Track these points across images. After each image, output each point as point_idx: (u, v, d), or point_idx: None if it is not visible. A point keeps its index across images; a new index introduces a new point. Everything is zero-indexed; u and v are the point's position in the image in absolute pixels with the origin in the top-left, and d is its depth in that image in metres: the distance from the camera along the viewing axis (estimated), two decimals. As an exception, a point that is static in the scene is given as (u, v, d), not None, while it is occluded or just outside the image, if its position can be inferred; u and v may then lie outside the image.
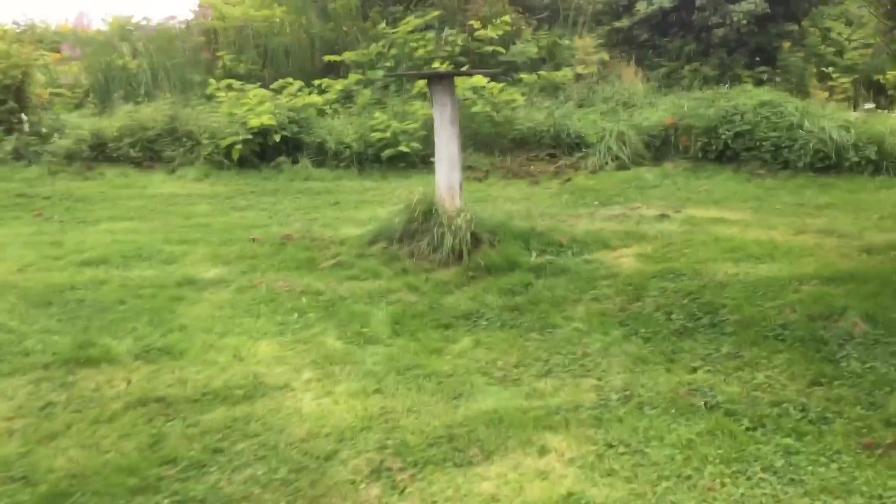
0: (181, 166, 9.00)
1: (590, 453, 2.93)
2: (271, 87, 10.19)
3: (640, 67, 10.82)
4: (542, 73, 10.38)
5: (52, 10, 33.32)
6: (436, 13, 11.36)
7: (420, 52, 10.77)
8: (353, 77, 10.68)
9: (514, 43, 11.05)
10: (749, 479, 2.73)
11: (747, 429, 3.07)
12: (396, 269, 5.15)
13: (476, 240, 5.21)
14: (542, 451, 2.95)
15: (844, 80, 10.20)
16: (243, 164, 8.87)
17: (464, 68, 9.93)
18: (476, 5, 11.44)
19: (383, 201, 7.20)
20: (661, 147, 8.45)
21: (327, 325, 4.27)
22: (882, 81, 10.29)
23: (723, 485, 2.70)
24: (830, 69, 10.48)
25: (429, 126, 8.36)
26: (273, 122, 8.86)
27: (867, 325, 3.94)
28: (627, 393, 3.41)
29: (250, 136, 8.82)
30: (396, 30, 11.18)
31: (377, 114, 9.17)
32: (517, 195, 7.35)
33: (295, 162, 8.87)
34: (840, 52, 10.88)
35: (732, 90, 8.80)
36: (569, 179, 7.95)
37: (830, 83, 10.23)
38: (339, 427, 3.15)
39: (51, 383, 3.60)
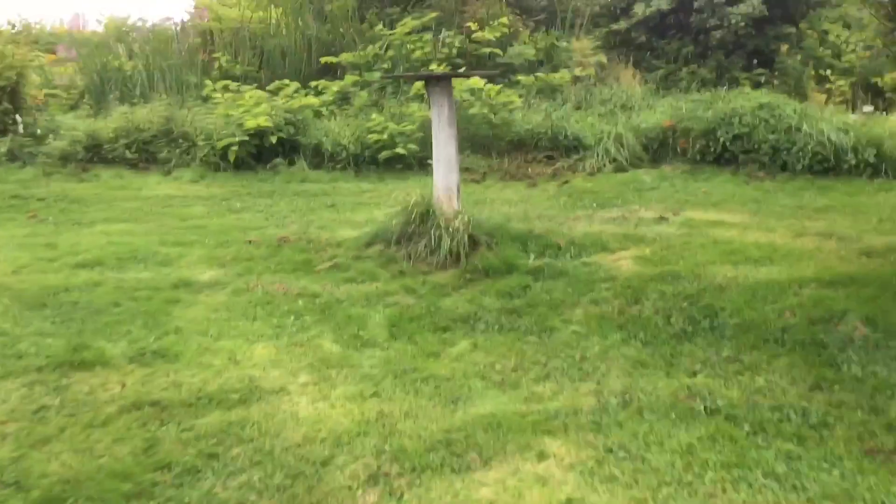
0: (177, 168, 8.96)
1: (589, 459, 2.89)
2: (268, 88, 10.16)
3: (637, 70, 10.82)
4: (539, 74, 10.36)
5: (47, 12, 33.25)
6: (433, 15, 11.34)
7: (417, 53, 10.75)
8: (350, 78, 10.65)
9: (511, 45, 11.04)
10: (751, 485, 2.70)
11: (748, 434, 3.05)
12: (393, 271, 5.12)
13: (474, 242, 5.18)
14: (542, 457, 2.92)
15: (842, 83, 10.20)
16: (239, 165, 8.83)
17: (461, 70, 9.91)
18: (473, 7, 11.43)
19: (380, 203, 7.16)
20: (659, 149, 8.43)
21: (324, 328, 4.23)
22: (880, 84, 10.29)
23: (724, 491, 2.67)
24: (828, 72, 10.47)
25: (426, 128, 8.36)
26: (269, 124, 8.82)
27: (867, 328, 3.92)
28: (627, 397, 3.38)
29: (246, 138, 8.78)
30: (394, 31, 11.16)
31: (374, 115, 9.14)
32: (515, 197, 7.32)
33: (291, 164, 8.84)
34: (838, 55, 10.88)
35: (731, 92, 8.80)
36: (566, 182, 7.93)
37: (828, 86, 10.23)
38: (335, 432, 3.11)
39: (44, 387, 3.56)
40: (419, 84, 9.81)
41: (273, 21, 12.18)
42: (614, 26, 11.66)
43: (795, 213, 6.27)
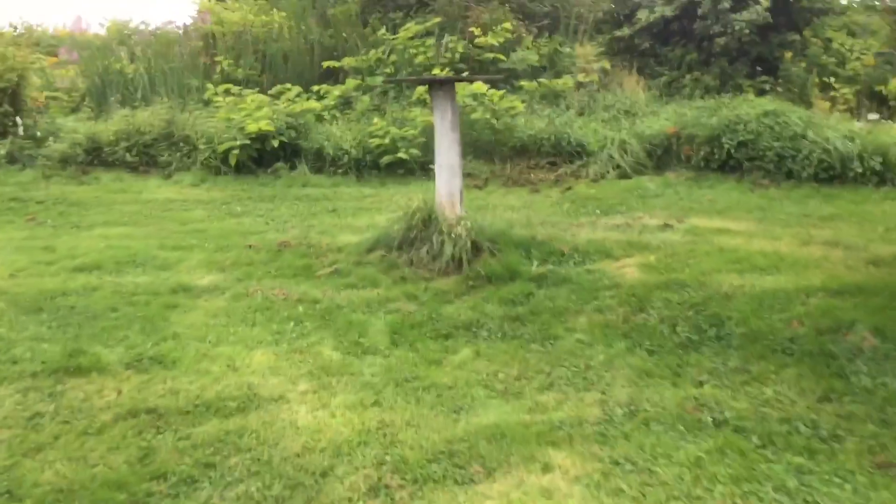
0: (177, 171, 8.91)
1: (595, 471, 2.83)
2: (269, 92, 10.13)
3: (641, 76, 10.77)
4: (542, 80, 10.32)
5: (50, 14, 33.28)
6: (436, 20, 11.31)
7: (420, 58, 10.71)
8: (352, 83, 10.61)
9: (514, 50, 11.00)
10: (761, 500, 2.64)
11: (757, 447, 2.99)
12: (395, 277, 5.06)
13: (476, 248, 5.13)
14: (546, 469, 2.86)
15: (846, 91, 10.15)
16: (240, 169, 8.79)
17: (464, 75, 9.87)
18: (476, 12, 11.39)
19: (382, 208, 7.11)
20: (662, 156, 8.38)
21: (324, 335, 4.17)
22: (884, 92, 10.24)
23: (735, 505, 2.60)
24: (832, 79, 10.42)
25: (428, 133, 8.32)
26: (271, 128, 8.77)
27: (876, 339, 3.86)
28: (633, 408, 3.32)
29: (248, 142, 8.74)
30: (396, 36, 11.13)
31: (376, 120, 9.10)
32: (517, 203, 7.26)
33: (293, 168, 8.79)
34: (842, 63, 10.83)
35: (735, 99, 8.74)
36: (570, 188, 7.87)
37: (832, 93, 10.17)
38: (335, 441, 3.05)
39: (39, 393, 3.50)
40: (422, 89, 9.77)
41: (276, 25, 12.15)
42: (618, 32, 11.60)
43: (801, 222, 6.21)
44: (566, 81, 10.31)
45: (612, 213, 6.73)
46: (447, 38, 11.01)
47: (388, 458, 2.93)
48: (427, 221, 5.26)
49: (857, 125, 8.24)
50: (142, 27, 13.59)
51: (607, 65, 10.91)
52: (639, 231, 5.99)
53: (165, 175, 8.87)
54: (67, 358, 3.81)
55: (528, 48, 11.10)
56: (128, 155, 9.08)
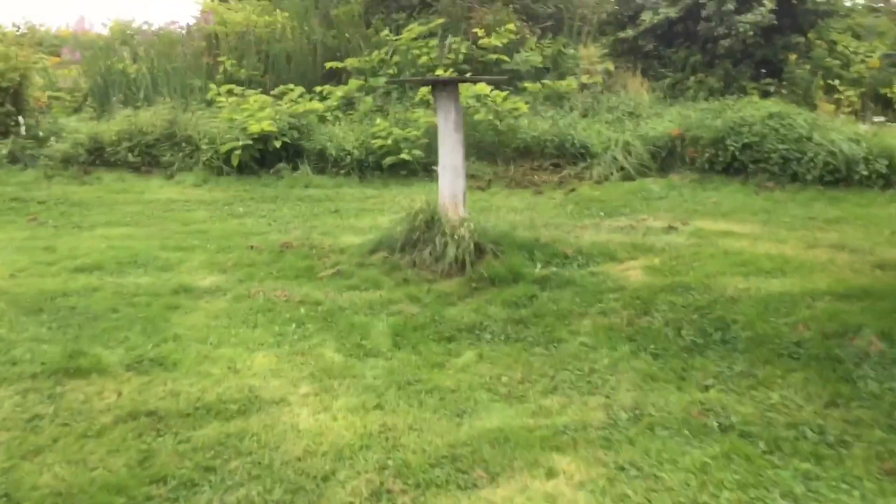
0: (179, 172, 8.89)
1: (600, 477, 2.79)
2: (272, 92, 10.11)
3: (645, 78, 10.73)
4: (546, 81, 10.29)
5: (53, 14, 33.31)
6: (439, 21, 11.28)
7: (423, 59, 10.69)
8: (354, 83, 10.59)
9: (518, 51, 10.97)
10: (769, 506, 2.60)
11: (764, 452, 2.95)
12: (397, 279, 5.03)
13: (479, 250, 5.09)
14: (550, 474, 2.82)
15: (851, 93, 10.11)
16: (243, 170, 8.76)
17: (467, 76, 9.84)
18: (480, 13, 11.37)
19: (384, 209, 7.09)
20: (667, 158, 8.34)
21: (326, 337, 4.14)
22: (889, 95, 10.19)
23: (741, 513, 2.57)
24: (837, 82, 10.38)
25: (430, 134, 8.29)
26: (273, 128, 8.75)
27: (883, 343, 3.82)
28: (637, 412, 3.28)
29: (250, 142, 8.72)
30: (399, 37, 11.11)
31: (378, 121, 9.07)
32: (521, 205, 7.23)
33: (295, 168, 8.76)
34: (846, 65, 10.79)
35: (739, 101, 8.70)
36: (573, 189, 7.84)
37: (837, 96, 10.13)
38: (337, 445, 3.02)
39: (38, 394, 3.47)
40: (425, 89, 9.74)
41: (279, 25, 12.13)
42: (621, 34, 11.57)
43: (806, 225, 6.17)
44: (570, 83, 10.28)
45: (615, 215, 6.69)
46: (450, 39, 10.99)
47: (390, 462, 2.89)
48: (430, 223, 5.23)
49: (863, 128, 8.19)
50: (145, 27, 13.58)
51: (611, 66, 10.87)
52: (643, 233, 5.95)
53: (168, 175, 8.85)
54: (67, 359, 3.78)
55: (531, 49, 11.07)
56: (130, 155, 9.06)
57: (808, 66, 10.51)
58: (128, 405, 3.35)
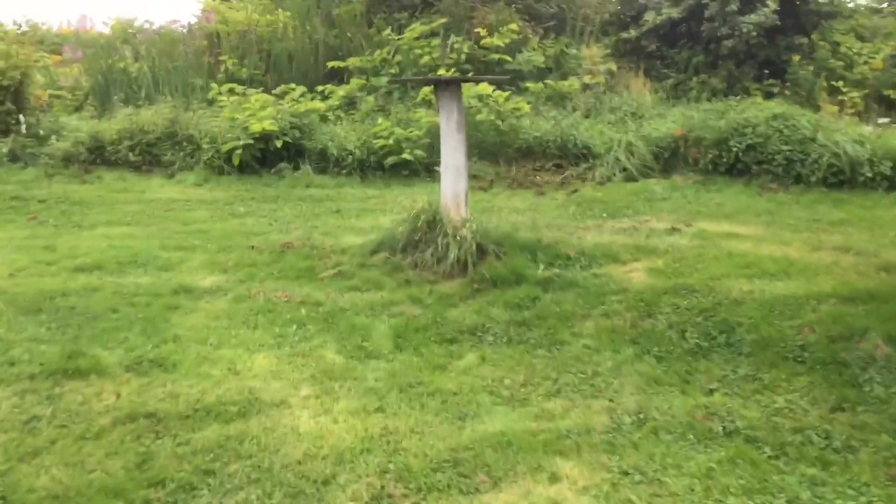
0: (180, 171, 8.86)
1: (604, 482, 2.76)
2: (274, 92, 10.07)
3: (647, 78, 10.69)
4: (548, 82, 10.25)
5: (55, 13, 33.29)
6: (442, 20, 11.25)
7: (425, 59, 10.65)
8: (356, 83, 10.56)
9: (520, 51, 10.94)
10: (775, 513, 2.56)
11: (769, 457, 2.93)
12: (399, 280, 5.00)
13: (481, 251, 5.06)
14: (553, 479, 2.79)
15: (854, 95, 10.06)
16: (244, 169, 8.73)
17: (469, 75, 9.81)
18: (482, 13, 11.33)
19: (386, 210, 7.05)
20: (670, 159, 8.29)
21: (327, 338, 4.11)
22: (893, 96, 10.15)
23: (747, 519, 2.54)
24: (840, 83, 10.34)
25: (432, 134, 8.25)
26: (275, 128, 8.72)
27: (889, 347, 3.79)
28: (641, 416, 3.25)
29: (251, 142, 8.68)
30: (402, 36, 11.08)
31: (380, 120, 9.03)
32: (523, 206, 7.19)
33: (296, 168, 8.73)
34: (850, 66, 10.74)
35: (743, 102, 8.65)
36: (576, 190, 7.80)
37: (840, 97, 10.09)
38: (337, 448, 2.99)
39: (36, 396, 3.45)
40: (426, 89, 9.70)
41: (280, 25, 12.10)
42: (624, 34, 11.53)
43: (811, 227, 6.13)
44: (572, 83, 10.24)
45: (618, 216, 6.65)
46: (453, 38, 10.95)
47: (391, 466, 2.86)
48: (432, 223, 5.20)
49: (867, 129, 8.15)
50: (146, 26, 13.56)
51: (614, 66, 10.84)
52: (646, 235, 5.92)
53: (168, 175, 8.82)
54: (66, 360, 3.76)
55: (534, 49, 11.03)
56: (131, 154, 9.03)
57: (811, 68, 10.47)
58: (126, 407, 3.32)
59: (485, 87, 8.99)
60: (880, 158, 7.34)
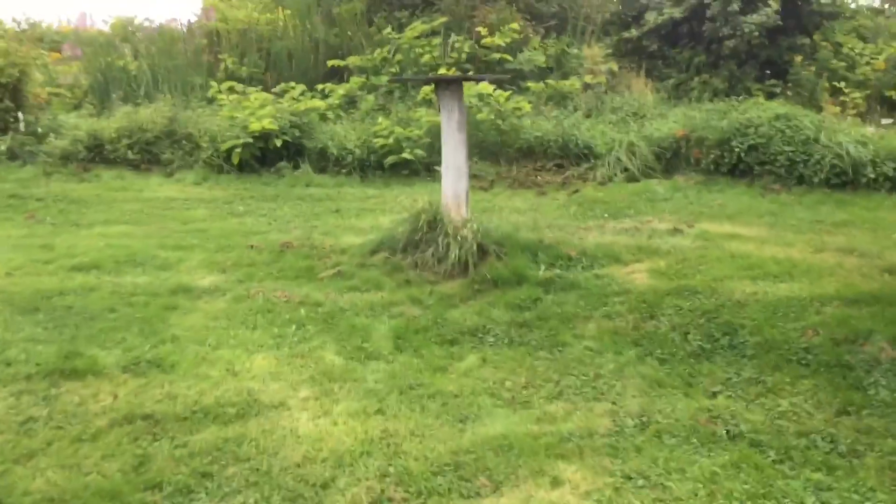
0: (179, 169, 8.82)
1: (606, 486, 2.73)
2: (273, 90, 10.03)
3: (649, 78, 10.65)
4: (549, 81, 10.21)
5: (55, 10, 33.23)
6: (442, 19, 11.21)
7: (426, 58, 10.62)
8: (356, 81, 10.52)
9: (521, 51, 10.90)
10: (781, 519, 2.53)
11: (774, 462, 2.89)
12: (399, 280, 4.96)
13: (482, 251, 5.02)
14: (555, 483, 2.76)
15: (857, 95, 10.03)
16: (243, 168, 8.69)
17: (469, 74, 9.77)
18: (483, 12, 11.29)
19: (386, 209, 7.01)
20: (671, 159, 8.24)
21: (326, 339, 4.07)
22: (895, 97, 10.12)
23: (753, 525, 2.50)
24: (842, 84, 10.30)
25: (433, 133, 8.21)
26: (274, 127, 8.68)
27: (895, 350, 3.75)
28: (644, 419, 3.22)
29: (251, 140, 8.64)
30: (402, 35, 11.04)
31: (380, 119, 8.99)
32: (524, 206, 7.15)
33: (296, 167, 8.69)
34: (852, 67, 10.71)
35: (745, 103, 8.61)
36: (577, 191, 7.76)
37: (842, 98, 10.05)
38: (337, 451, 2.95)
39: (33, 396, 3.42)
40: (427, 88, 9.66)
41: (280, 23, 12.06)
42: (625, 34, 11.50)
43: (814, 228, 6.09)
44: (573, 83, 10.20)
45: (620, 216, 6.62)
46: (453, 37, 10.92)
47: (391, 469, 2.83)
48: (432, 223, 5.16)
49: (870, 130, 8.10)
50: (146, 24, 13.50)
51: (615, 66, 10.80)
52: (648, 235, 5.88)
53: (167, 173, 8.77)
54: (63, 360, 3.72)
55: (535, 49, 11.00)
56: (129, 152, 8.99)
57: (813, 68, 10.43)
58: (124, 408, 3.29)
59: (485, 87, 8.96)
60: (883, 159, 7.30)
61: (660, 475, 2.79)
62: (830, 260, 5.17)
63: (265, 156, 8.80)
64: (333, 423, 3.18)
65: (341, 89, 10.42)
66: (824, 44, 10.89)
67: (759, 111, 8.02)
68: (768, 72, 10.66)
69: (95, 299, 4.60)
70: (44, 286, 4.81)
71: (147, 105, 9.92)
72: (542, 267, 5.04)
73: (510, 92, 9.25)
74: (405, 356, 3.87)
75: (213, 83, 10.58)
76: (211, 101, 10.33)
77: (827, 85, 10.20)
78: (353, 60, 11.05)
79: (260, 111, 8.88)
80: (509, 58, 10.68)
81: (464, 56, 10.65)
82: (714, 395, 3.44)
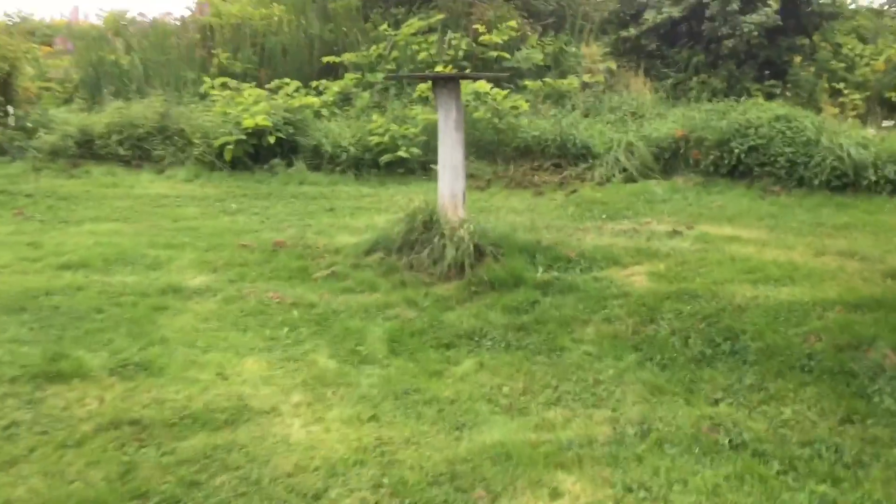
0: (171, 166, 8.71)
1: (607, 498, 2.65)
2: (267, 86, 9.92)
3: (647, 77, 10.59)
4: (547, 80, 10.13)
5: (47, 4, 32.99)
6: (439, 16, 11.12)
7: (422, 55, 10.52)
8: (351, 78, 10.42)
9: (519, 49, 10.82)
10: (787, 534, 2.45)
11: (778, 472, 2.82)
12: (394, 281, 4.87)
13: (479, 252, 4.94)
14: (555, 494, 2.68)
15: (856, 97, 9.98)
16: (236, 165, 8.58)
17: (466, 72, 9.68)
18: (481, 9, 11.20)
19: (381, 209, 6.92)
20: (670, 160, 8.17)
21: (319, 342, 3.98)
22: (894, 99, 10.07)
23: (758, 541, 2.42)
24: (841, 85, 10.25)
25: (429, 131, 8.12)
26: (268, 123, 8.57)
27: (899, 357, 3.68)
28: (645, 427, 3.14)
29: (244, 137, 8.53)
30: (398, 32, 10.94)
31: (375, 117, 8.90)
32: (521, 206, 7.07)
33: (290, 165, 8.58)
34: (851, 68, 10.66)
35: (745, 103, 8.54)
36: (575, 191, 7.68)
37: (841, 99, 10.00)
38: (330, 460, 2.86)
39: (17, 399, 3.32)
40: (423, 86, 9.57)
41: (275, 18, 11.95)
42: (624, 33, 11.43)
43: (814, 231, 6.02)
44: (571, 81, 10.13)
45: (618, 217, 6.54)
46: (450, 34, 10.82)
47: (385, 479, 2.74)
48: (428, 223, 5.08)
49: (871, 132, 8.04)
50: (139, 18, 13.38)
51: (613, 65, 10.74)
52: (647, 237, 5.80)
53: (158, 170, 8.66)
54: (49, 362, 3.62)
55: (532, 47, 10.91)
56: (120, 148, 8.87)
57: (812, 69, 10.38)
58: (110, 413, 3.19)
59: (482, 85, 8.87)
60: (884, 162, 7.23)
61: (661, 486, 2.71)
62: (832, 264, 5.11)
63: (258, 153, 8.70)
64: (326, 430, 3.09)
65: (336, 86, 10.31)
66: (824, 44, 10.86)
67: (759, 112, 7.95)
68: (767, 72, 10.62)
69: (83, 299, 4.50)
70: (30, 285, 4.71)
71: (139, 100, 9.81)
72: (540, 269, 4.96)
73: (508, 90, 9.16)
74: (400, 360, 3.79)
75: (207, 78, 10.45)
76: (204, 96, 10.21)
77: (826, 86, 10.15)
78: (348, 57, 10.94)
79: (253, 107, 8.77)
80: (507, 56, 10.59)
81: (461, 53, 10.56)
82: (716, 402, 3.37)
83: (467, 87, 8.74)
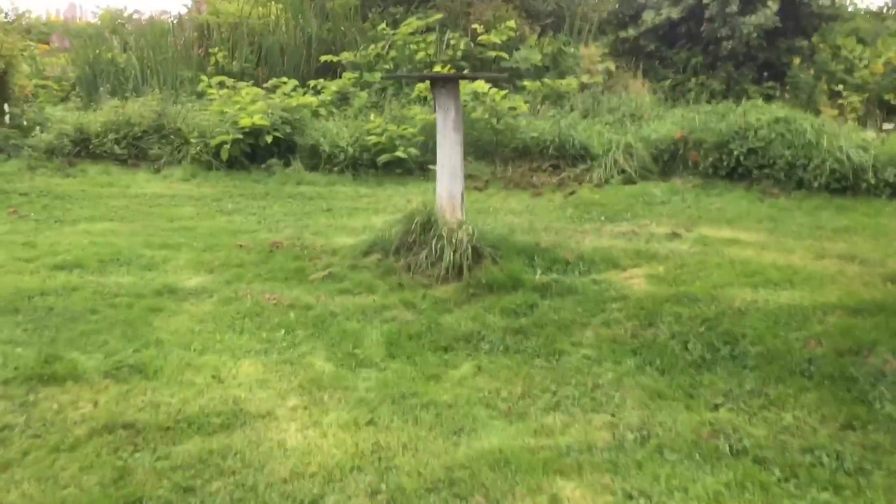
0: (167, 165, 8.66)
1: (608, 506, 2.61)
2: (265, 86, 9.88)
3: (646, 79, 10.56)
4: (545, 80, 10.10)
5: (44, 1, 32.90)
6: (438, 16, 11.09)
7: (421, 55, 10.49)
8: (349, 78, 10.37)
9: (517, 49, 10.79)
10: (789, 543, 2.42)
11: (779, 480, 2.78)
12: (392, 283, 4.83)
13: (477, 254, 4.90)
14: (554, 501, 2.65)
15: (854, 99, 9.96)
16: (232, 164, 8.54)
17: (464, 72, 9.65)
18: (479, 9, 11.18)
19: (378, 209, 6.88)
20: (669, 161, 8.14)
21: (316, 345, 3.95)
22: (893, 102, 10.06)
23: (760, 550, 2.39)
24: (840, 87, 10.23)
25: (427, 131, 8.08)
26: (265, 122, 8.53)
27: (900, 362, 3.65)
28: (644, 432, 3.10)
29: (241, 136, 8.49)
30: (396, 31, 10.90)
31: (373, 117, 8.86)
32: (519, 207, 7.03)
33: (287, 164, 8.54)
34: (850, 70, 10.64)
35: (745, 105, 8.51)
36: (573, 192, 7.65)
37: (840, 101, 9.99)
38: (326, 466, 2.82)
39: (9, 402, 3.28)
40: (422, 86, 9.54)
41: (273, 17, 11.91)
42: (622, 34, 11.40)
43: (814, 234, 5.99)
44: (570, 82, 10.10)
45: (617, 219, 6.50)
46: (449, 34, 10.79)
47: (383, 486, 2.70)
48: (426, 225, 5.04)
49: (871, 135, 8.02)
50: (136, 16, 13.33)
51: (612, 66, 10.71)
52: (646, 239, 5.77)
53: (155, 169, 8.62)
54: (42, 364, 3.58)
55: (531, 47, 10.89)
56: (116, 147, 8.83)
57: (811, 71, 10.36)
58: (104, 416, 3.15)
59: (481, 85, 8.84)
60: (884, 165, 7.20)
61: (662, 494, 2.68)
62: (832, 267, 5.08)
63: (255, 152, 8.66)
64: (323, 434, 3.05)
65: (334, 85, 10.28)
66: (823, 46, 10.84)
67: (759, 114, 7.92)
68: (766, 74, 10.59)
69: (77, 300, 4.46)
70: (25, 285, 4.67)
71: (135, 99, 9.78)
72: (539, 271, 4.92)
73: (506, 91, 9.12)
74: (398, 363, 3.75)
75: (204, 77, 10.42)
76: (201, 95, 10.17)
77: (825, 88, 10.13)
78: (346, 56, 10.91)
79: (251, 106, 8.73)
80: (505, 56, 10.57)
81: (459, 53, 10.53)
82: (716, 407, 3.33)
83: (466, 87, 8.70)
